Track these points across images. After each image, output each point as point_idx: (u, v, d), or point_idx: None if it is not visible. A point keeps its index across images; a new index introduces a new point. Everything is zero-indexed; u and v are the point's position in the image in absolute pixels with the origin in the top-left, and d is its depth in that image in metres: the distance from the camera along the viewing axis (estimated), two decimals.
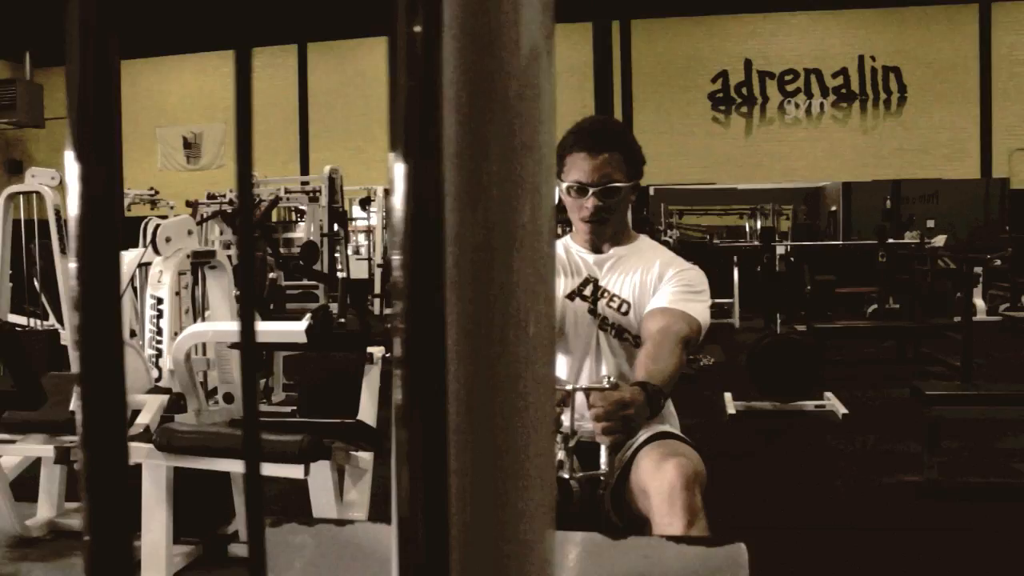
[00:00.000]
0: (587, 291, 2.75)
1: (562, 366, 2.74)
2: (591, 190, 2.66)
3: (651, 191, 18.19)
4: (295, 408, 6.65)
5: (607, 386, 2.21)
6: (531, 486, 0.66)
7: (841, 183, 18.49)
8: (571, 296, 2.75)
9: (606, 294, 2.75)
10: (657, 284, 2.73)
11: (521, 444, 0.65)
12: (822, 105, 18.97)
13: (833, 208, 18.61)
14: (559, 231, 13.80)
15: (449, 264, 0.58)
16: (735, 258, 13.37)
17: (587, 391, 2.26)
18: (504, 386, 0.64)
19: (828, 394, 7.46)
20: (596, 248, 2.82)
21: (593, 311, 2.72)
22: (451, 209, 0.59)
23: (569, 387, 2.32)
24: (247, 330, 0.38)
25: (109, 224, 0.41)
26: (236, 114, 0.38)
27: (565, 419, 2.29)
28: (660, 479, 2.27)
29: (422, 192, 0.35)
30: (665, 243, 12.71)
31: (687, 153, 19.03)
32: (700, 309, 2.66)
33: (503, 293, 0.62)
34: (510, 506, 0.65)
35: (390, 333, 0.36)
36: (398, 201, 0.36)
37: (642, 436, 2.57)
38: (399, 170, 0.35)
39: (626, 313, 2.72)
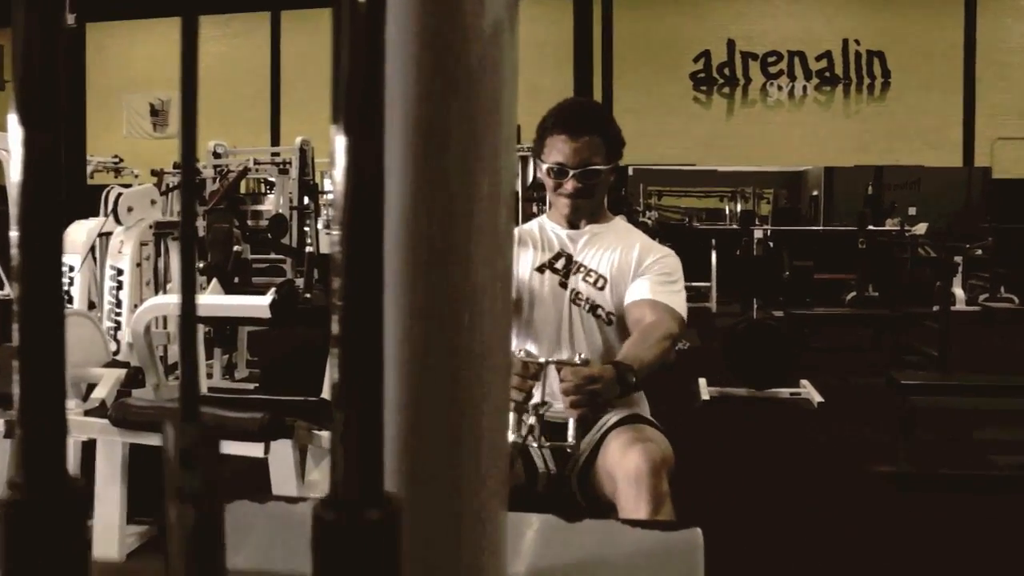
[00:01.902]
0: (559, 264, 2.79)
1: (534, 341, 2.77)
2: (571, 172, 2.71)
3: (630, 171, 18.21)
4: (257, 385, 6.65)
5: (578, 362, 2.34)
6: (483, 467, 0.67)
7: (823, 167, 18.59)
8: (540, 269, 2.79)
9: (581, 269, 2.79)
10: (636, 268, 2.77)
11: (473, 423, 0.66)
12: (805, 88, 19.05)
13: (814, 193, 18.70)
14: (534, 209, 13.72)
15: (402, 237, 0.59)
16: (713, 241, 13.42)
17: (559, 365, 2.37)
18: (457, 361, 0.64)
19: (804, 382, 7.51)
20: (572, 224, 2.86)
21: (564, 284, 2.75)
22: (406, 180, 0.60)
23: (542, 360, 2.41)
24: (187, 302, 0.38)
25: (52, 192, 0.41)
26: (181, 82, 0.38)
27: (536, 392, 2.38)
28: (627, 464, 2.31)
29: (362, 165, 0.35)
30: (643, 225, 12.73)
31: (668, 133, 19.06)
32: (681, 301, 2.74)
33: (459, 267, 0.63)
34: (462, 487, 0.66)
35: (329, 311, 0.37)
36: (338, 175, 0.36)
37: (611, 418, 2.61)
38: (340, 143, 0.36)
39: (602, 288, 2.76)
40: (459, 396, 0.64)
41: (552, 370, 2.45)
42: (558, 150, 2.71)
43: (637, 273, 2.76)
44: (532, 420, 2.31)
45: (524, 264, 2.81)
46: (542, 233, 2.88)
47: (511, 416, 2.30)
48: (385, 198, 0.39)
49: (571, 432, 2.34)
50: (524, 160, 9.20)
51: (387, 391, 0.41)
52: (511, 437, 2.29)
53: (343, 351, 0.36)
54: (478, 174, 0.64)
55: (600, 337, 2.75)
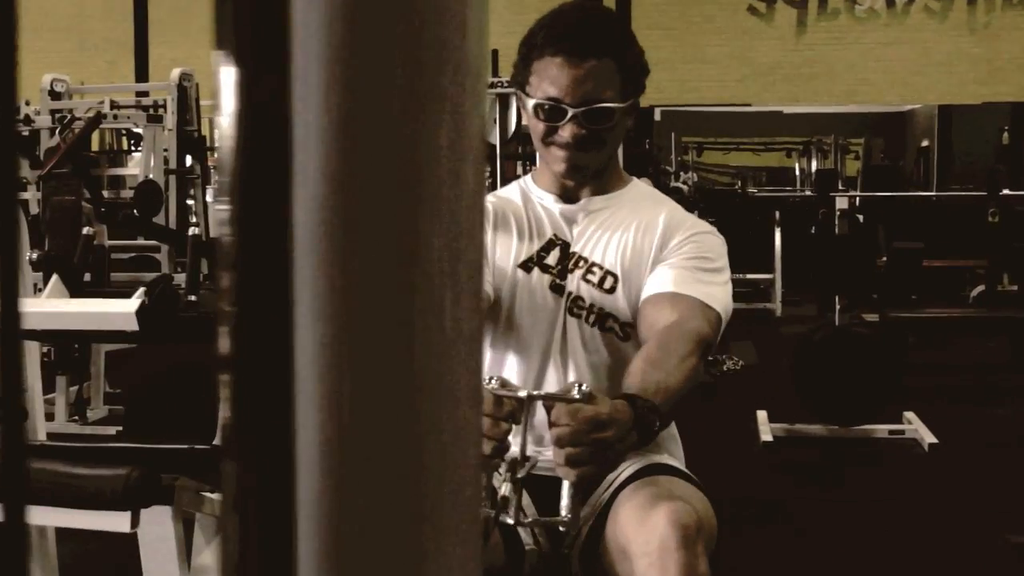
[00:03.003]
0: (550, 258, 2.76)
1: (512, 367, 2.75)
2: (570, 111, 2.65)
3: (657, 114, 18.25)
4: (121, 429, 6.62)
5: (577, 396, 2.15)
6: (445, 546, 0.67)
7: (936, 107, 18.66)
8: (526, 265, 2.76)
9: (582, 263, 2.76)
10: (659, 252, 2.74)
11: (428, 481, 0.66)
12: None
13: (924, 143, 18.78)
14: (520, 170, 13.76)
15: (320, 212, 0.58)
16: (777, 214, 13.45)
17: (548, 401, 2.22)
18: (404, 392, 0.64)
19: (909, 415, 7.53)
20: (569, 195, 2.83)
21: (559, 288, 2.73)
22: (325, 130, 0.60)
23: (523, 394, 2.23)
24: (7, 312, 0.38)
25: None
26: None
27: (514, 441, 2.23)
28: (648, 533, 2.28)
29: (259, 109, 0.35)
30: (675, 192, 12.78)
31: (710, 60, 19.06)
32: (721, 295, 2.69)
33: (405, 254, 0.63)
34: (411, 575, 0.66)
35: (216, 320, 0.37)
36: (226, 124, 0.36)
37: (626, 470, 2.59)
38: (227, 77, 0.36)
39: (611, 290, 2.72)
40: (407, 442, 0.64)
41: (539, 409, 2.31)
42: (551, 80, 2.66)
43: (659, 259, 2.73)
44: (506, 490, 2.18)
45: (502, 253, 2.78)
46: (527, 207, 2.85)
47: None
48: (295, 155, 0.39)
49: (565, 500, 2.19)
50: (503, 99, 9.21)
51: (301, 434, 0.41)
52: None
53: (236, 378, 0.35)
54: (431, 119, 0.64)
55: (611, 360, 2.71)
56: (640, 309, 2.68)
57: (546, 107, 2.68)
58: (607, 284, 2.74)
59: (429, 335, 0.65)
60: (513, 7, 16.33)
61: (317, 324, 0.61)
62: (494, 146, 9.18)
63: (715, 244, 2.79)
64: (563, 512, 2.19)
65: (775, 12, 19.27)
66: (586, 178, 2.80)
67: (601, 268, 2.75)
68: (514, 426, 2.22)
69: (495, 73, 9.68)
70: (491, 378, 2.26)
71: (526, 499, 2.36)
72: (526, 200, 2.86)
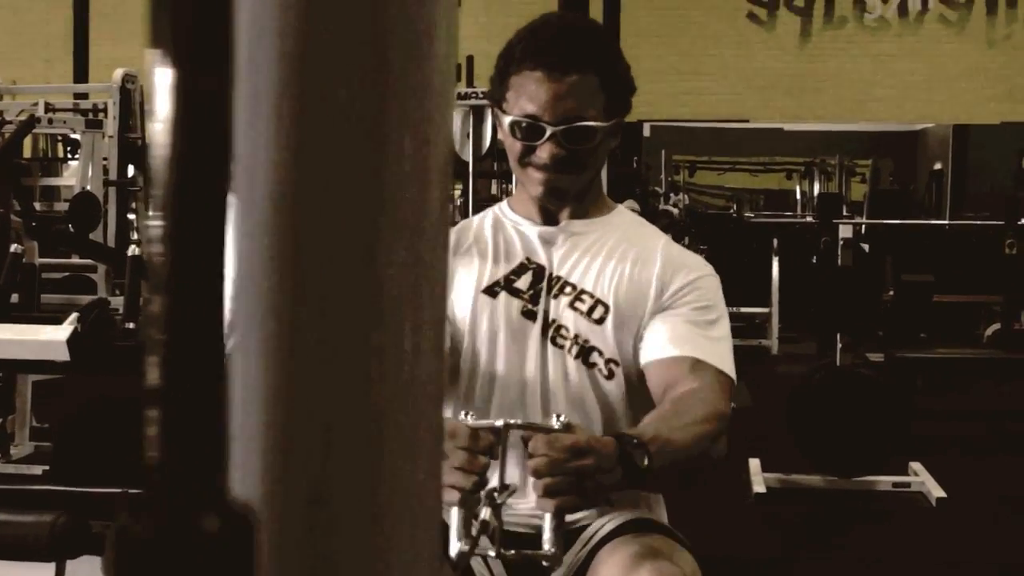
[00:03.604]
0: (521, 282, 2.75)
1: (485, 403, 2.74)
2: (549, 130, 2.66)
3: (646, 130, 18.30)
4: (47, 468, 6.58)
5: (556, 427, 2.26)
6: None
7: (951, 126, 18.75)
8: (491, 290, 2.75)
9: (568, 289, 2.75)
10: (659, 296, 2.74)
11: (382, 531, 0.65)
12: (925, 0, 19.20)
13: (937, 166, 18.83)
14: (496, 187, 13.68)
15: (262, 227, 0.58)
16: (775, 242, 13.47)
17: (526, 432, 2.30)
18: (357, 428, 0.64)
19: (916, 465, 7.54)
20: (548, 219, 2.83)
21: (530, 313, 2.72)
22: (269, 137, 0.59)
23: (500, 423, 2.32)
24: None
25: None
26: None
27: (493, 476, 2.30)
28: None
29: (196, 114, 0.35)
30: (665, 214, 12.78)
31: (705, 71, 19.15)
32: (729, 352, 2.75)
33: (363, 285, 0.62)
34: None
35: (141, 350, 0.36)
36: (159, 129, 0.35)
37: (605, 524, 2.59)
38: (162, 79, 0.35)
39: (600, 321, 2.71)
40: (363, 484, 0.64)
41: (516, 439, 2.36)
42: (529, 96, 2.66)
43: (661, 305, 2.73)
44: (487, 511, 2.23)
45: (463, 281, 2.77)
46: (497, 232, 2.84)
47: (453, 514, 2.21)
48: (239, 170, 0.38)
49: (547, 534, 2.24)
50: (477, 112, 9.21)
51: (241, 481, 0.40)
52: (454, 546, 2.20)
53: (163, 416, 0.35)
54: (390, 131, 0.63)
55: (594, 398, 2.70)
56: (650, 366, 2.70)
57: (523, 125, 2.68)
58: (596, 314, 2.73)
59: (388, 367, 0.64)
60: (492, 8, 16.42)
61: (261, 359, 0.60)
62: (466, 163, 9.17)
63: (714, 289, 2.82)
64: (545, 546, 2.24)
65: (777, 19, 19.37)
66: (565, 202, 2.80)
67: (591, 296, 2.74)
68: (492, 460, 2.29)
69: (469, 83, 9.71)
70: (466, 413, 2.39)
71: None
72: (497, 226, 2.86)
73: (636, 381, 2.72)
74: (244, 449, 0.58)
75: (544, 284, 2.75)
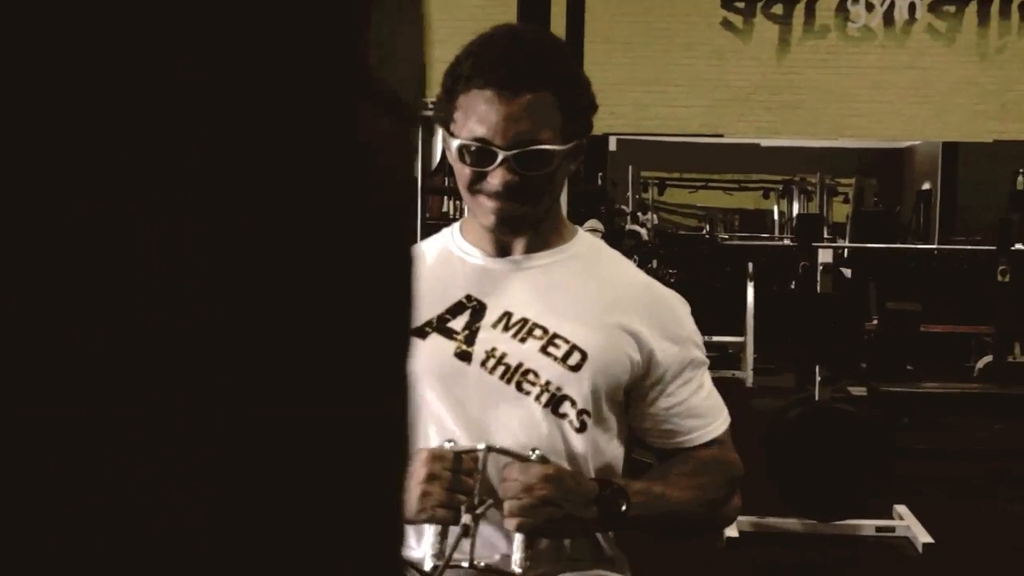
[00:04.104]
0: (456, 322, 2.67)
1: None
2: (500, 155, 2.60)
3: (611, 144, 18.33)
4: None
5: (531, 456, 2.44)
6: None
7: (940, 144, 18.85)
8: (419, 331, 2.68)
9: (536, 331, 2.68)
10: (649, 367, 2.70)
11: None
12: (912, 7, 19.29)
13: (925, 186, 18.97)
14: (448, 205, 13.63)
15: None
16: (750, 266, 13.51)
17: (503, 453, 2.46)
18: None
19: (901, 509, 7.55)
20: (501, 250, 2.78)
21: (465, 355, 2.67)
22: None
23: (482, 445, 2.47)
24: None
25: None
26: None
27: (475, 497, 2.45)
28: None
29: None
30: (632, 235, 12.79)
31: (676, 81, 19.19)
32: (721, 407, 2.90)
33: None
34: None
35: None
36: None
37: None
38: None
39: (576, 368, 2.65)
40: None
41: (494, 469, 2.50)
42: (478, 117, 2.61)
43: (654, 381, 2.73)
44: (467, 517, 2.40)
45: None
46: (442, 262, 2.81)
47: (429, 532, 2.41)
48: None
49: (517, 554, 2.40)
50: (426, 124, 9.17)
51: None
52: (428, 561, 2.39)
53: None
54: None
55: (562, 452, 2.63)
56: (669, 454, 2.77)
57: (472, 149, 2.62)
58: (572, 360, 2.66)
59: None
60: (444, 10, 16.37)
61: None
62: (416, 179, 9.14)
63: (691, 326, 2.85)
64: (515, 567, 2.40)
65: (753, 27, 19.43)
66: (519, 233, 2.75)
67: (566, 342, 2.67)
68: (475, 481, 2.46)
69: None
70: (445, 441, 2.55)
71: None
72: (443, 255, 2.81)
73: (604, 438, 2.69)
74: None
75: (481, 323, 2.69)
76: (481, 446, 2.45)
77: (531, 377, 2.66)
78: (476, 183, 2.66)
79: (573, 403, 2.65)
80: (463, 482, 2.41)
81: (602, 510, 2.38)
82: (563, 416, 2.65)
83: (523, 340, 2.68)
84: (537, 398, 2.65)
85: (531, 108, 2.61)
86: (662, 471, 2.57)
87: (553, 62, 2.69)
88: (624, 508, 2.39)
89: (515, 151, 2.60)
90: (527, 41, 2.74)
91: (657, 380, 2.73)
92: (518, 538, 2.40)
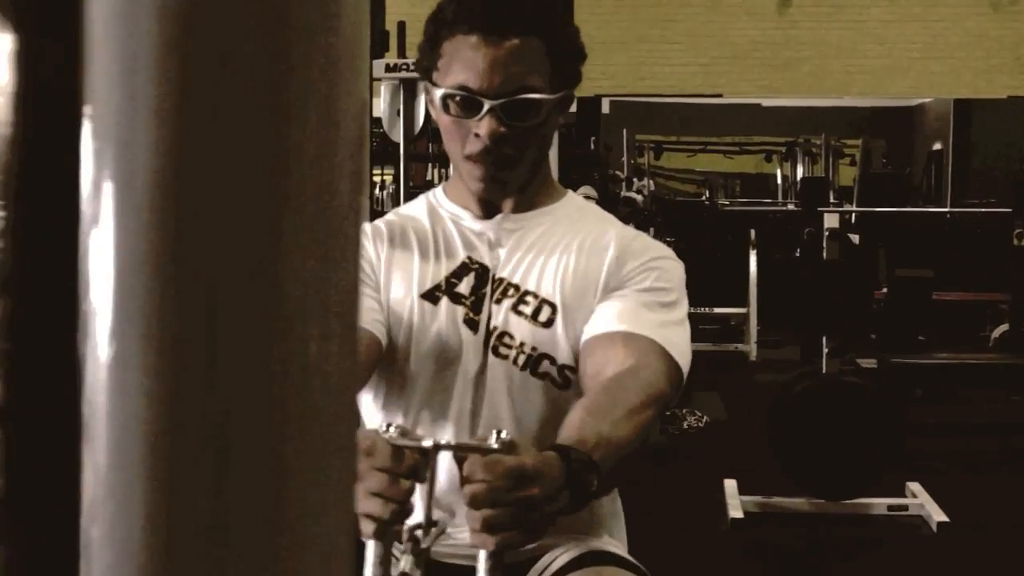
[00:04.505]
0: (463, 286, 2.72)
1: (418, 423, 2.71)
2: (486, 104, 2.61)
3: (604, 106, 18.33)
4: None
5: (495, 446, 2.10)
6: None
7: (952, 101, 18.85)
8: (431, 295, 2.71)
9: (511, 291, 2.72)
10: (610, 279, 2.71)
11: (289, 571, 0.64)
12: None
13: (936, 147, 18.98)
14: (432, 172, 13.68)
15: (126, 227, 0.57)
16: (753, 233, 13.53)
17: (459, 452, 2.16)
18: (256, 462, 0.63)
19: (914, 486, 7.57)
20: (490, 210, 2.80)
21: (473, 322, 2.69)
22: (133, 115, 0.58)
23: (428, 443, 2.15)
24: None
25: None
26: None
27: (418, 502, 2.16)
28: None
29: (37, 86, 0.34)
30: (628, 202, 12.80)
31: (671, 38, 19.18)
32: (683, 342, 2.67)
33: (262, 289, 0.61)
34: None
35: None
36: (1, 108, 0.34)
37: (557, 558, 2.58)
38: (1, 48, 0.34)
39: (548, 323, 2.68)
40: (259, 520, 0.63)
41: (447, 461, 2.23)
42: (463, 64, 2.62)
43: (609, 287, 2.70)
44: (408, 561, 2.13)
45: (401, 283, 2.74)
46: (435, 225, 2.82)
47: (370, 550, 2.12)
48: (111, 145, 0.37)
49: (483, 571, 2.12)
50: (409, 85, 9.19)
51: (114, 511, 0.39)
52: None
53: (8, 436, 0.34)
54: (291, 105, 0.62)
55: (545, 413, 2.66)
56: (584, 347, 2.64)
57: (457, 99, 2.64)
58: (543, 316, 2.70)
59: (291, 382, 0.63)
60: None
61: (142, 373, 0.59)
62: (397, 145, 9.14)
63: (675, 273, 2.77)
64: None
65: None
66: (508, 184, 2.75)
67: (536, 296, 2.71)
68: (418, 484, 2.15)
69: (400, 53, 9.66)
70: (388, 425, 2.19)
71: None
72: (434, 217, 2.83)
73: None
74: (124, 479, 0.57)
75: (488, 288, 2.72)
76: (427, 443, 2.14)
77: (507, 339, 2.70)
78: (458, 134, 2.68)
79: (552, 360, 2.69)
80: (397, 486, 2.11)
81: (574, 490, 2.16)
82: (544, 375, 2.68)
83: (498, 302, 2.72)
84: (515, 361, 2.68)
85: (519, 54, 2.62)
86: (594, 408, 2.38)
87: (541, 5, 2.71)
88: (595, 481, 2.22)
89: (502, 100, 2.61)
90: None
91: (609, 290, 2.72)
92: (482, 554, 2.11)
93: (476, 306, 2.71)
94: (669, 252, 2.83)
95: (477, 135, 2.64)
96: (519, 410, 2.68)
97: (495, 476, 2.05)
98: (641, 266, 2.72)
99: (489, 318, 2.71)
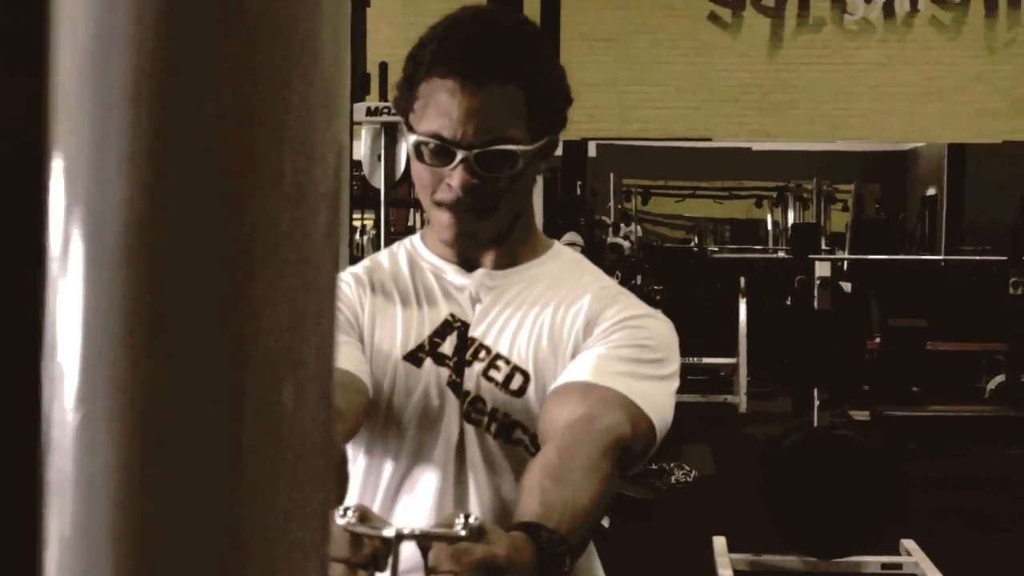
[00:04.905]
0: (446, 346, 2.64)
1: (398, 489, 2.68)
2: (460, 154, 2.56)
3: (591, 150, 18.35)
4: None
5: (462, 533, 2.02)
6: None
7: (946, 146, 18.91)
8: (415, 356, 2.68)
9: (483, 353, 2.66)
10: (581, 339, 2.68)
11: None
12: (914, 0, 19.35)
13: (930, 192, 19.03)
14: (414, 218, 13.74)
15: (121, 273, 0.56)
16: (743, 281, 13.56)
17: (423, 541, 2.07)
18: (226, 528, 0.62)
19: (909, 543, 7.58)
20: (470, 263, 2.76)
21: (456, 383, 2.65)
22: (124, 166, 0.58)
23: (389, 532, 2.09)
24: None
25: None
26: None
27: None
28: None
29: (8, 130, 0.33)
30: (615, 249, 12.81)
31: (660, 81, 19.22)
32: (656, 394, 2.58)
33: (232, 342, 0.60)
34: None
35: None
36: None
37: None
38: None
39: (519, 392, 2.61)
40: None
41: (411, 551, 2.13)
42: (438, 110, 2.55)
43: (580, 347, 2.64)
44: None
45: (383, 340, 2.68)
46: (416, 276, 2.77)
47: None
48: (81, 195, 0.36)
49: None
50: (391, 129, 9.20)
51: None
52: None
53: None
54: (266, 151, 0.62)
55: (519, 483, 2.59)
56: (543, 406, 2.57)
57: (430, 146, 2.57)
58: (514, 384, 2.63)
59: (261, 444, 0.63)
60: (410, 7, 16.41)
61: (110, 432, 0.58)
62: (378, 190, 9.13)
63: (660, 331, 2.68)
64: None
65: (743, 22, 19.46)
66: (483, 237, 2.70)
67: (507, 362, 2.64)
68: (377, 574, 2.11)
69: (383, 95, 9.67)
70: (346, 510, 2.12)
71: None
72: (413, 267, 2.77)
73: None
74: (88, 545, 0.57)
75: (468, 347, 2.65)
76: (389, 532, 2.08)
77: (479, 405, 2.64)
78: (433, 187, 2.62)
79: (524, 429, 2.62)
80: None
81: (547, 573, 2.10)
82: (516, 442, 2.62)
83: (469, 364, 2.66)
84: (488, 427, 2.63)
85: (496, 102, 2.57)
86: (552, 473, 2.25)
87: (523, 51, 2.64)
88: (567, 561, 2.14)
89: (477, 150, 2.55)
90: (495, 26, 2.68)
91: (582, 349, 2.64)
92: None
93: (459, 368, 2.65)
94: (653, 310, 2.77)
95: (449, 185, 2.58)
96: (497, 479, 2.63)
97: (463, 567, 2.00)
98: (617, 323, 2.64)
99: (465, 383, 2.65)
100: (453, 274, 2.75)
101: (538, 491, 2.24)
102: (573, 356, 2.62)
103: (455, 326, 2.69)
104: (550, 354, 2.65)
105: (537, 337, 2.67)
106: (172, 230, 0.58)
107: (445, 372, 2.64)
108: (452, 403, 2.63)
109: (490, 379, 2.63)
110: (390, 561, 2.08)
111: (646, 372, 2.58)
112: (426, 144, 2.57)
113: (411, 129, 2.62)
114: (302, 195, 0.62)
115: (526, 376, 2.63)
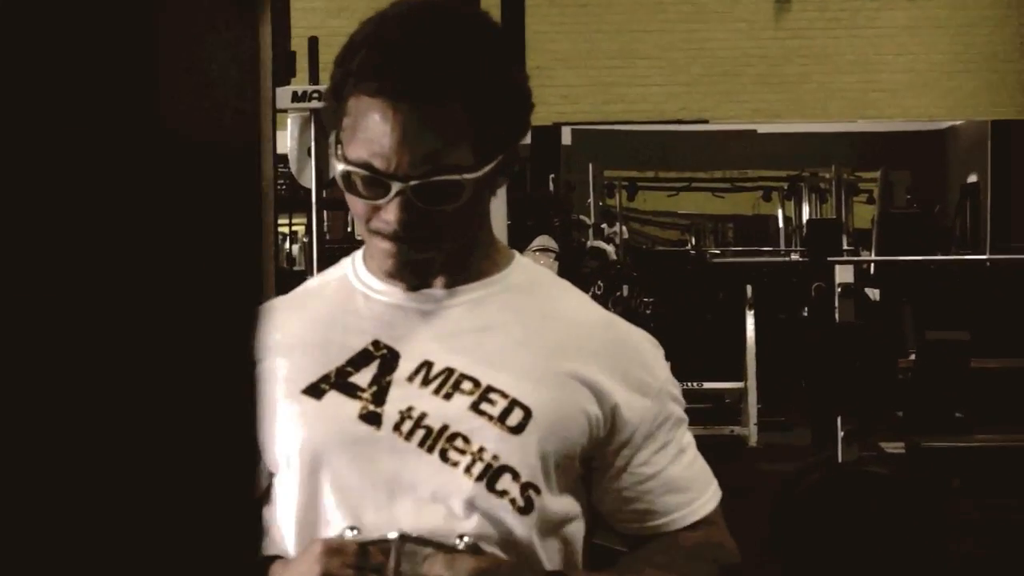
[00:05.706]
0: (361, 376, 2.63)
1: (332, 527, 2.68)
2: (394, 186, 2.51)
3: (565, 136, 18.32)
4: None
5: (459, 546, 2.29)
6: None
7: (988, 123, 18.91)
8: (315, 388, 2.64)
9: (464, 384, 2.62)
10: (614, 428, 2.66)
11: None
12: None
13: (971, 179, 19.03)
14: (352, 222, 13.76)
15: None
16: (749, 290, 13.54)
17: (425, 545, 2.31)
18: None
19: None
20: (417, 282, 2.74)
21: (373, 416, 2.60)
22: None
23: (393, 535, 2.32)
24: None
25: None
26: None
27: None
28: None
29: None
30: (597, 254, 12.80)
31: (645, 54, 19.20)
32: (706, 470, 2.86)
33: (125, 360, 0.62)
34: None
35: None
36: None
37: None
38: None
39: (517, 430, 2.60)
40: None
41: (413, 556, 2.34)
42: (367, 134, 2.53)
43: (622, 444, 2.68)
44: None
45: (281, 385, 2.64)
46: (338, 303, 2.76)
47: None
48: None
49: None
50: (319, 119, 9.13)
51: None
52: None
53: None
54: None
55: (497, 542, 2.54)
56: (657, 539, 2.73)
57: (361, 177, 2.54)
58: (512, 420, 2.59)
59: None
60: None
61: None
62: (309, 191, 9.06)
63: (659, 362, 2.80)
64: None
65: None
66: (428, 277, 2.69)
67: (503, 396, 2.61)
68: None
69: (312, 77, 9.62)
70: (349, 528, 2.44)
71: None
72: (344, 292, 2.76)
73: (557, 520, 2.64)
74: None
75: (394, 376, 2.62)
76: (393, 534, 2.30)
77: (459, 443, 2.59)
78: (368, 214, 2.60)
79: (515, 475, 2.58)
80: None
81: None
82: (502, 494, 2.57)
83: (448, 396, 2.62)
84: (468, 470, 2.57)
85: (434, 124, 2.53)
86: (634, 563, 2.51)
87: (466, 57, 2.58)
88: None
89: (414, 182, 2.51)
90: (434, 27, 2.61)
91: (624, 444, 2.68)
92: None
93: (377, 398, 2.62)
94: (649, 343, 2.80)
95: (384, 220, 2.56)
96: (463, 530, 2.53)
97: (454, 573, 2.24)
98: (657, 418, 2.72)
99: (411, 414, 2.60)
100: (390, 295, 2.72)
101: (603, 570, 2.51)
102: (608, 435, 2.68)
103: (376, 355, 2.67)
104: (559, 404, 2.66)
105: (539, 376, 2.67)
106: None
107: (356, 405, 2.61)
108: (370, 437, 2.59)
109: (483, 413, 2.60)
110: (391, 562, 2.31)
111: (691, 450, 2.81)
112: (355, 176, 2.55)
113: (339, 154, 2.58)
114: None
115: (527, 413, 2.61)
